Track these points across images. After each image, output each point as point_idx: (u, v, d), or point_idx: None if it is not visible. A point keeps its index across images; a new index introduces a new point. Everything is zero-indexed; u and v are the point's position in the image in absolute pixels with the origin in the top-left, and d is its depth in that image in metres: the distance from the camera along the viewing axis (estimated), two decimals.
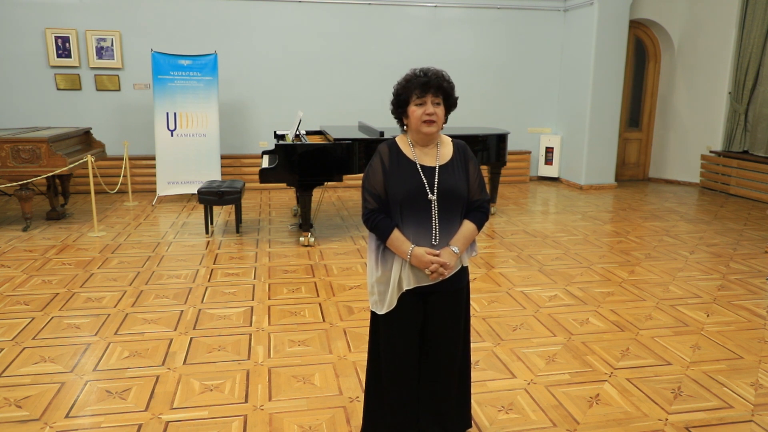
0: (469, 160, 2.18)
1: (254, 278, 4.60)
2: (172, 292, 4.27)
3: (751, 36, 7.89)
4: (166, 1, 7.88)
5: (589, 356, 3.30)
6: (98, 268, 4.78)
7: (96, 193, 6.74)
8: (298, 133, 6.10)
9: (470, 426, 2.44)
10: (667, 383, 3.00)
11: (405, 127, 2.16)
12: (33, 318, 3.75)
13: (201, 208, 6.97)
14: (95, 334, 3.52)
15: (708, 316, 3.91)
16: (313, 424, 2.62)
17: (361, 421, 2.43)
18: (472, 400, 2.56)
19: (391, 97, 2.14)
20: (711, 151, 8.66)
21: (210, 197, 5.73)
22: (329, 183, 6.77)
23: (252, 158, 8.41)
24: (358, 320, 3.77)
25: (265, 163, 6.05)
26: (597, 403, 2.80)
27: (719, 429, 2.61)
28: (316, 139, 6.23)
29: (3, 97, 7.73)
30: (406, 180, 2.08)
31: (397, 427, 2.27)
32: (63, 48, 7.70)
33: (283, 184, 7.61)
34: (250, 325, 3.70)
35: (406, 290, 2.12)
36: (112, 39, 7.82)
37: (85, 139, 6.94)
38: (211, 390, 2.89)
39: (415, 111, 2.06)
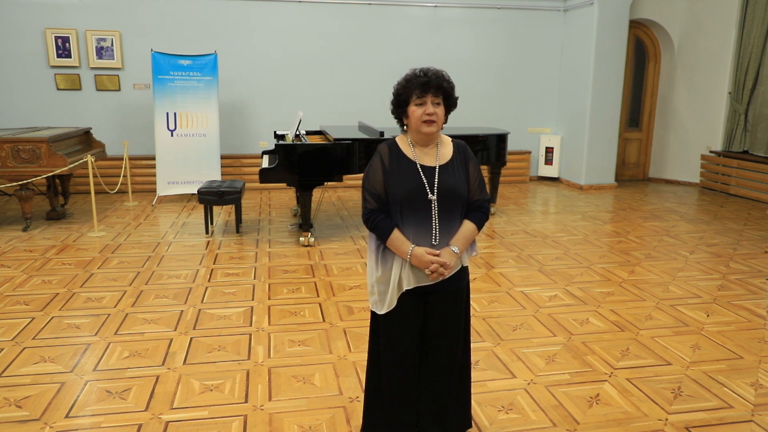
0: (469, 160, 2.18)
1: (254, 278, 4.60)
2: (172, 292, 4.27)
3: (751, 36, 7.89)
4: (166, 1, 7.88)
5: (589, 356, 3.30)
6: (98, 268, 4.79)
7: (96, 193, 6.75)
8: (298, 133, 6.10)
9: (470, 426, 2.44)
10: (667, 383, 3.00)
11: (405, 127, 2.16)
12: (33, 318, 3.75)
13: (201, 208, 6.97)
14: (95, 334, 3.52)
15: (708, 316, 3.91)
16: (313, 424, 2.62)
17: (361, 421, 2.43)
18: (472, 400, 2.56)
19: (391, 97, 2.14)
20: (711, 151, 8.66)
21: (210, 197, 5.73)
22: (329, 183, 6.77)
23: (252, 158, 8.41)
24: (358, 320, 3.77)
25: (265, 163, 6.05)
26: (597, 403, 2.80)
27: (719, 429, 2.61)
28: (316, 139, 6.22)
29: (3, 97, 7.74)
30: (406, 180, 2.08)
31: (397, 427, 2.27)
32: (63, 48, 7.70)
33: (283, 184, 7.62)
34: (250, 325, 3.70)
35: (406, 290, 2.12)
36: (112, 39, 7.82)
37: (85, 139, 6.94)
38: (211, 390, 2.89)
39: (415, 111, 2.06)
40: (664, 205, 7.60)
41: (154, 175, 7.71)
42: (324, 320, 3.78)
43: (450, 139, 2.22)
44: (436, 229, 2.09)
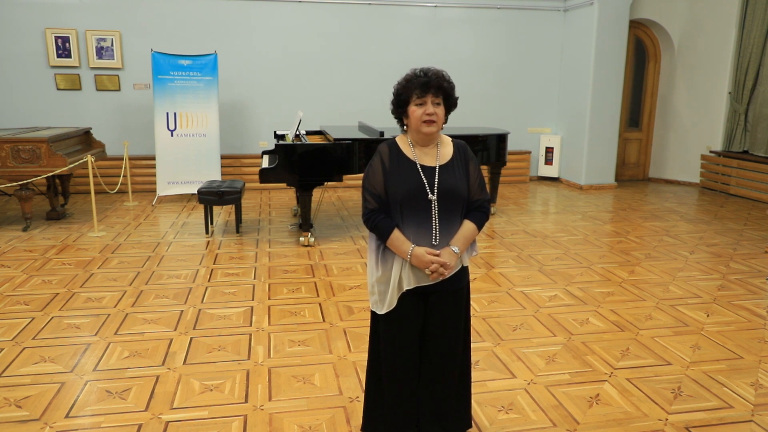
0: (469, 160, 2.18)
1: (254, 278, 4.60)
2: (172, 292, 4.27)
3: (751, 36, 7.89)
4: (166, 1, 7.88)
5: (589, 356, 3.30)
6: (98, 268, 4.78)
7: (96, 193, 6.75)
8: (298, 133, 6.10)
9: (470, 426, 2.44)
10: (667, 383, 3.00)
11: (405, 127, 2.16)
12: (33, 318, 3.75)
13: (201, 208, 6.97)
14: (95, 334, 3.52)
15: (708, 316, 3.91)
16: (313, 424, 2.62)
17: (361, 421, 2.43)
18: (472, 400, 2.56)
19: (391, 97, 2.14)
20: (711, 151, 8.66)
21: (210, 197, 5.73)
22: (329, 183, 6.77)
23: (252, 158, 8.41)
24: (358, 320, 3.77)
25: (265, 163, 6.05)
26: (597, 403, 2.80)
27: (719, 429, 2.61)
28: (316, 139, 6.22)
29: (3, 97, 7.74)
30: (406, 180, 2.08)
31: (397, 427, 2.27)
32: (63, 48, 7.70)
33: (283, 184, 7.62)
34: (250, 325, 3.70)
35: (407, 290, 2.12)
36: (112, 39, 7.82)
37: (85, 139, 6.94)
38: (211, 390, 2.89)
39: (415, 111, 2.06)
40: (664, 205, 7.60)
41: (154, 175, 7.71)
42: (324, 320, 3.78)
43: (450, 139, 2.22)
44: (436, 229, 2.09)
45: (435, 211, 2.09)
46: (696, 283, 4.58)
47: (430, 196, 2.08)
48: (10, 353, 3.26)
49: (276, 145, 5.57)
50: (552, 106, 9.38)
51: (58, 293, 4.20)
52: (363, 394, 2.53)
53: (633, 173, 9.70)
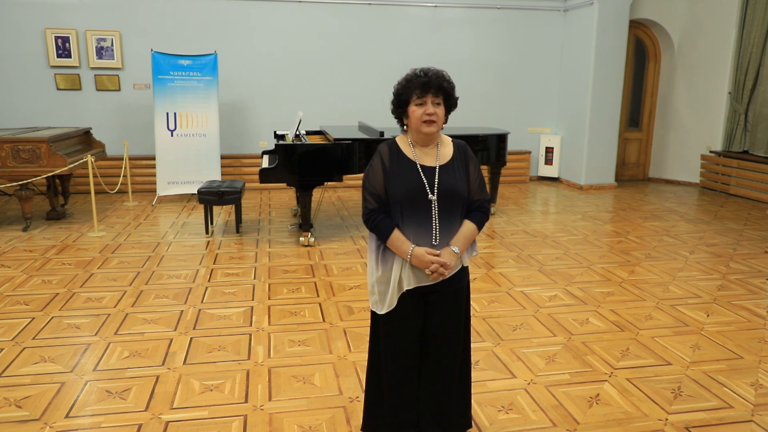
0: (469, 160, 2.18)
1: (254, 278, 4.60)
2: (172, 292, 4.27)
3: (751, 36, 7.89)
4: (166, 1, 7.88)
5: (589, 356, 3.30)
6: (98, 268, 4.78)
7: (96, 193, 6.74)
8: (298, 133, 6.10)
9: (470, 426, 2.43)
10: (667, 383, 3.00)
11: (405, 127, 2.16)
12: (33, 318, 3.75)
13: (201, 208, 6.97)
14: (95, 334, 3.52)
15: (708, 316, 3.91)
16: (313, 424, 2.62)
17: (361, 421, 2.43)
18: (472, 400, 2.56)
19: (391, 97, 2.14)
20: (711, 151, 8.66)
21: (210, 197, 5.73)
22: (329, 183, 6.77)
23: (252, 158, 8.41)
24: (358, 320, 3.77)
25: (265, 163, 6.05)
26: (597, 403, 2.80)
27: (719, 429, 2.61)
28: (316, 139, 6.22)
29: (3, 97, 7.74)
30: (406, 180, 2.08)
31: (397, 427, 2.27)
32: (63, 48, 7.70)
33: (283, 184, 7.61)
34: (250, 325, 3.70)
35: (407, 290, 2.12)
36: (112, 39, 7.82)
37: (85, 139, 6.94)
38: (211, 390, 2.89)
39: (415, 111, 2.06)
40: (664, 205, 7.60)
41: (154, 175, 7.71)
42: (324, 320, 3.78)
43: (450, 139, 2.22)
44: (436, 229, 2.09)
45: (435, 211, 2.09)
46: (696, 283, 4.58)
47: (430, 196, 2.08)
48: (10, 353, 3.26)
49: (276, 145, 5.57)
50: (552, 106, 9.38)
51: (58, 293, 4.20)
52: (363, 394, 2.53)
53: (633, 173, 9.70)
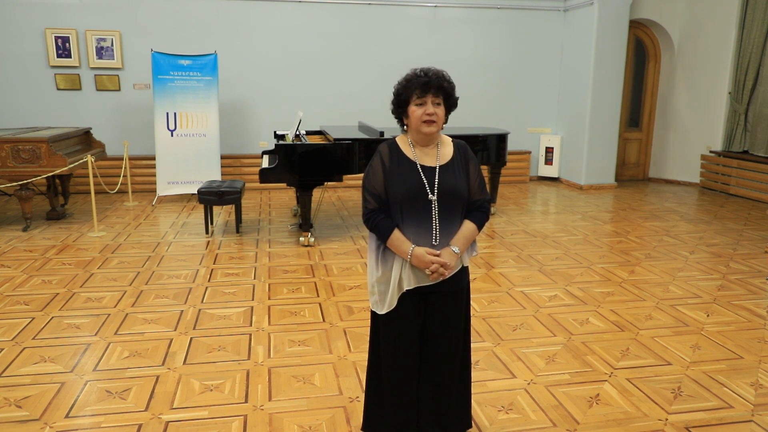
0: (469, 160, 2.18)
1: (254, 278, 4.60)
2: (172, 292, 4.27)
3: (751, 36, 7.89)
4: (166, 1, 7.88)
5: (589, 356, 3.30)
6: (98, 268, 4.78)
7: (96, 193, 6.74)
8: (298, 133, 6.10)
9: (470, 426, 2.43)
10: (667, 383, 3.00)
11: (405, 127, 2.16)
12: (33, 318, 3.75)
13: (201, 208, 6.97)
14: (95, 334, 3.52)
15: (708, 316, 3.91)
16: (313, 424, 2.62)
17: (361, 421, 2.43)
18: (472, 400, 2.56)
19: (391, 97, 2.14)
20: (711, 151, 8.66)
21: (210, 197, 5.73)
22: (329, 183, 6.77)
23: (252, 158, 8.41)
24: (358, 320, 3.77)
25: (265, 163, 6.05)
26: (597, 403, 2.80)
27: (719, 429, 2.61)
28: (316, 139, 6.22)
29: (3, 97, 7.73)
30: (406, 180, 2.08)
31: (397, 427, 2.27)
32: (63, 48, 7.70)
33: (283, 184, 7.61)
34: (250, 325, 3.70)
35: (407, 290, 2.12)
36: (112, 39, 7.82)
37: (85, 139, 6.94)
38: (211, 390, 2.89)
39: (415, 111, 2.06)
40: (664, 205, 7.60)
41: (154, 175, 7.71)
42: (324, 320, 3.78)
43: (450, 139, 2.22)
44: (436, 229, 2.09)
45: (435, 212, 2.09)
46: (696, 283, 4.58)
47: (430, 196, 2.08)
48: (10, 353, 3.26)
49: (276, 145, 5.57)
50: (552, 106, 9.38)
51: (58, 293, 4.20)
52: (363, 394, 2.53)
53: (633, 173, 9.70)
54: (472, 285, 4.18)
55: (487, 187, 2.33)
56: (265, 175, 5.43)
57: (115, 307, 3.96)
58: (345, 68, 8.55)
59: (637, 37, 9.16)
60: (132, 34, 7.88)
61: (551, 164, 9.38)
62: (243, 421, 2.62)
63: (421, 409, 2.29)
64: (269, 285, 4.45)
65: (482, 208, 2.19)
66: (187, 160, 7.44)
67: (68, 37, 7.69)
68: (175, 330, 3.60)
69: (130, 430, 2.55)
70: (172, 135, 7.38)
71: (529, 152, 9.41)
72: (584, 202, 7.86)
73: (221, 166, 7.82)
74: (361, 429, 2.43)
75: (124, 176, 7.38)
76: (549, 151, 9.36)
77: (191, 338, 3.48)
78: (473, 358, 3.06)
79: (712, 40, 8.49)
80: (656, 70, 9.31)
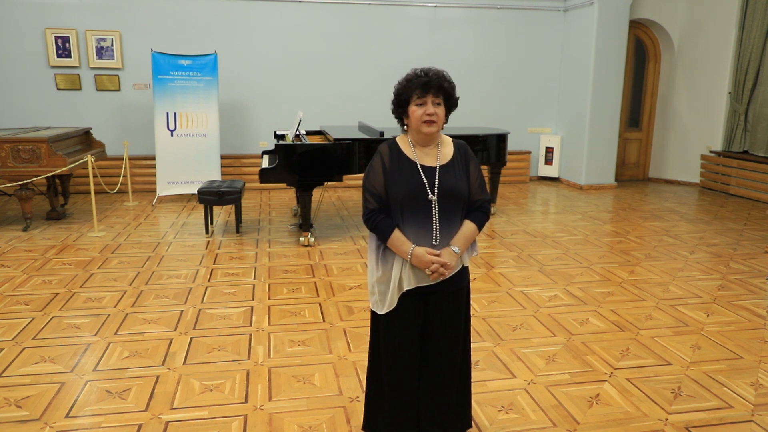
0: (469, 160, 2.18)
1: (254, 278, 4.60)
2: (172, 292, 4.27)
3: (751, 36, 7.89)
4: (166, 1, 7.88)
5: (589, 356, 3.30)
6: (98, 268, 4.78)
7: (96, 193, 6.74)
8: (298, 133, 6.10)
9: (470, 426, 2.44)
10: (667, 383, 3.00)
11: (405, 127, 2.16)
12: (33, 318, 3.75)
13: (201, 208, 6.97)
14: (95, 334, 3.52)
15: (708, 316, 3.91)
16: (313, 424, 2.62)
17: (362, 421, 2.43)
18: (472, 400, 2.56)
19: (391, 97, 2.14)
20: (711, 151, 8.66)
21: (210, 197, 5.73)
22: (329, 183, 6.77)
23: (252, 158, 8.41)
24: (358, 320, 3.77)
25: (265, 163, 6.05)
26: (597, 403, 2.80)
27: (719, 429, 2.61)
28: (316, 139, 6.23)
29: (3, 97, 7.74)
30: (406, 180, 2.08)
31: (397, 427, 2.27)
32: (63, 48, 7.70)
33: (283, 184, 7.61)
34: (250, 325, 3.70)
35: (407, 290, 2.12)
36: (112, 39, 7.82)
37: (85, 139, 6.94)
38: (211, 390, 2.89)
39: (415, 111, 2.06)
40: (664, 205, 7.60)
41: (154, 175, 7.71)
42: (324, 320, 3.78)
43: (450, 139, 2.22)
44: (436, 229, 2.09)
45: (435, 212, 2.09)
46: (696, 283, 4.58)
47: (430, 196, 2.08)
48: (10, 353, 3.26)
49: (276, 145, 5.57)
50: (552, 106, 9.38)
51: (58, 293, 4.20)
52: (363, 394, 2.53)
53: (633, 173, 9.70)
54: (472, 285, 4.17)
55: (487, 187, 2.33)
56: (265, 175, 5.43)
57: (115, 307, 3.96)
58: (345, 68, 8.55)
59: (637, 37, 9.16)
60: (132, 34, 7.88)
61: (551, 164, 9.38)
62: (243, 421, 2.62)
63: (421, 409, 2.29)
64: (269, 285, 4.45)
65: (482, 208, 2.19)
66: (187, 160, 7.44)
67: (68, 37, 7.69)
68: (175, 330, 3.60)
69: (130, 430, 2.55)
70: (172, 135, 7.38)
71: (529, 152, 9.41)
72: (584, 202, 7.86)
73: (221, 166, 7.82)
74: (362, 429, 2.43)
75: (124, 176, 7.38)
76: (549, 151, 9.36)
77: (191, 338, 3.48)
78: (473, 358, 3.07)
79: (712, 40, 8.49)
80: (656, 70, 9.31)
